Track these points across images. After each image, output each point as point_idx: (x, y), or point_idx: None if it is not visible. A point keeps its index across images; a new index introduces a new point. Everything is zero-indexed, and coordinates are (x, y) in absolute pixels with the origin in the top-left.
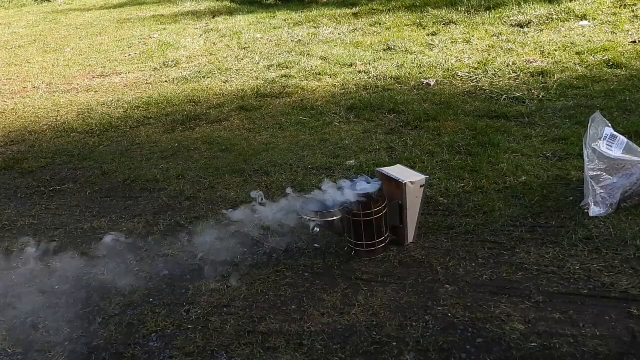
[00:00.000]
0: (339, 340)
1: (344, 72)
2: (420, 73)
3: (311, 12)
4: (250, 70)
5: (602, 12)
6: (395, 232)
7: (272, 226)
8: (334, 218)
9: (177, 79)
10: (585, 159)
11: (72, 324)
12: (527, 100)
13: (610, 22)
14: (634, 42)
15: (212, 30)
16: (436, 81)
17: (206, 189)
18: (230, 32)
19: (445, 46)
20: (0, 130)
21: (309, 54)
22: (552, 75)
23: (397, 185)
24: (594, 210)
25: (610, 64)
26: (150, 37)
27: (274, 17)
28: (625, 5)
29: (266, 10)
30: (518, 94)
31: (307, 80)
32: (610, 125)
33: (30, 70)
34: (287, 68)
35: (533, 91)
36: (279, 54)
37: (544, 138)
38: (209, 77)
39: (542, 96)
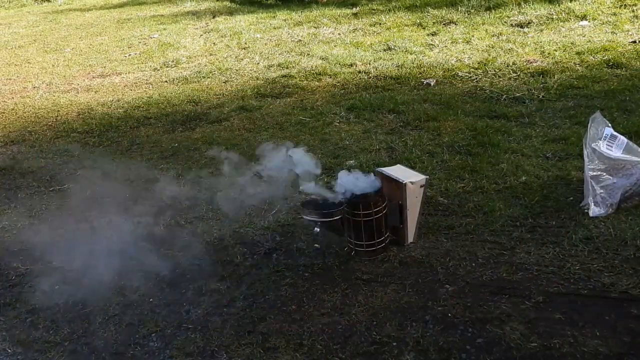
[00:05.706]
0: (339, 340)
1: (344, 72)
2: (420, 73)
3: (311, 12)
4: (250, 70)
5: (602, 12)
6: (395, 232)
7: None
8: (334, 218)
9: (177, 79)
10: (585, 159)
11: (71, 323)
12: (527, 100)
13: (610, 22)
14: (634, 42)
15: (212, 30)
16: (436, 81)
17: (206, 189)
18: (230, 32)
19: (445, 46)
20: (0, 130)
21: (309, 54)
22: (552, 75)
23: (397, 185)
24: (594, 210)
25: (610, 64)
26: (150, 37)
27: (274, 17)
28: (625, 5)
29: (266, 10)
30: (518, 94)
31: (307, 80)
32: (610, 125)
33: (30, 70)
34: (287, 68)
35: (533, 91)
36: (279, 54)
37: (544, 138)
38: (209, 77)
39: (542, 96)
